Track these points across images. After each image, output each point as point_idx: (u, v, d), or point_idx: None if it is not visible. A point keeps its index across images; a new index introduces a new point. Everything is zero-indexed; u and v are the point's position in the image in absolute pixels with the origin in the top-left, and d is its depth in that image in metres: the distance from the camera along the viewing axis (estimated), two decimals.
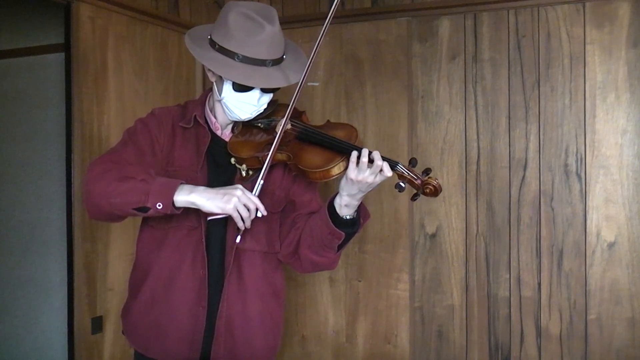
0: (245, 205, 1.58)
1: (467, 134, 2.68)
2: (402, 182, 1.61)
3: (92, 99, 2.48)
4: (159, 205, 1.57)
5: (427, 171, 1.64)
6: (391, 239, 2.74)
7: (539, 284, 2.57)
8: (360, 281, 2.80)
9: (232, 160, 1.76)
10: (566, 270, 2.53)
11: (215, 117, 1.82)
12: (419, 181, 1.62)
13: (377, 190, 2.63)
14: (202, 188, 1.62)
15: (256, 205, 1.60)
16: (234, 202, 1.57)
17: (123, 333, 1.89)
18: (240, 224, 1.61)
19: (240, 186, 1.61)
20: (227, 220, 1.74)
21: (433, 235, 2.74)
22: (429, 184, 1.61)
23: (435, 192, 1.61)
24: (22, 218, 3.23)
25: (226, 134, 1.82)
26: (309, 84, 2.84)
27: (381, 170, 1.59)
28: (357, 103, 2.79)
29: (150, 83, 2.77)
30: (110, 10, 2.55)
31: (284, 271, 1.93)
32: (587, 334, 2.51)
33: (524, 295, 2.60)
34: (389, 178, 1.61)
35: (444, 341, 2.73)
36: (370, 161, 1.59)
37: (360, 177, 1.59)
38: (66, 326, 2.53)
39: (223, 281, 1.75)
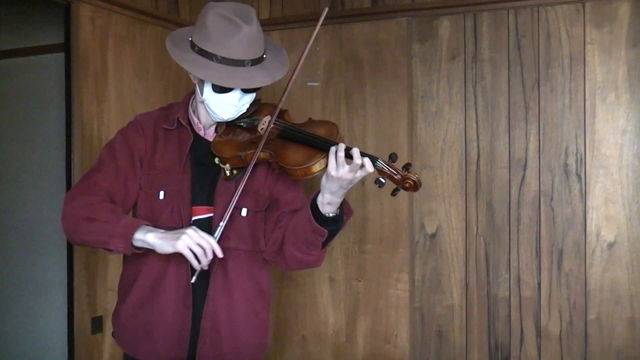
0: (199, 244, 1.60)
1: (467, 134, 2.68)
2: (382, 178, 1.62)
3: (92, 99, 2.49)
4: (120, 248, 1.65)
5: (407, 166, 1.64)
6: (391, 239, 2.74)
7: (539, 284, 2.57)
8: (360, 281, 2.80)
9: (216, 160, 1.77)
10: (566, 270, 2.53)
11: (198, 118, 1.83)
12: (398, 176, 1.62)
13: (377, 191, 2.65)
14: (160, 230, 1.65)
15: (211, 244, 1.62)
16: (184, 240, 1.59)
17: (112, 336, 1.91)
18: (194, 263, 1.62)
19: (194, 226, 1.64)
20: (211, 220, 1.76)
21: (433, 235, 2.74)
22: (409, 178, 1.61)
23: (415, 186, 1.61)
24: (22, 218, 3.23)
25: (210, 134, 1.83)
26: (308, 84, 2.84)
27: (362, 166, 1.59)
28: (357, 103, 2.79)
29: (150, 83, 2.77)
30: (110, 11, 2.55)
31: (271, 270, 1.93)
32: (587, 334, 2.51)
33: (523, 295, 2.60)
34: (369, 174, 1.61)
35: (444, 341, 2.73)
36: (349, 157, 1.59)
37: (340, 173, 1.58)
38: (66, 326, 2.53)
39: (209, 281, 1.77)
